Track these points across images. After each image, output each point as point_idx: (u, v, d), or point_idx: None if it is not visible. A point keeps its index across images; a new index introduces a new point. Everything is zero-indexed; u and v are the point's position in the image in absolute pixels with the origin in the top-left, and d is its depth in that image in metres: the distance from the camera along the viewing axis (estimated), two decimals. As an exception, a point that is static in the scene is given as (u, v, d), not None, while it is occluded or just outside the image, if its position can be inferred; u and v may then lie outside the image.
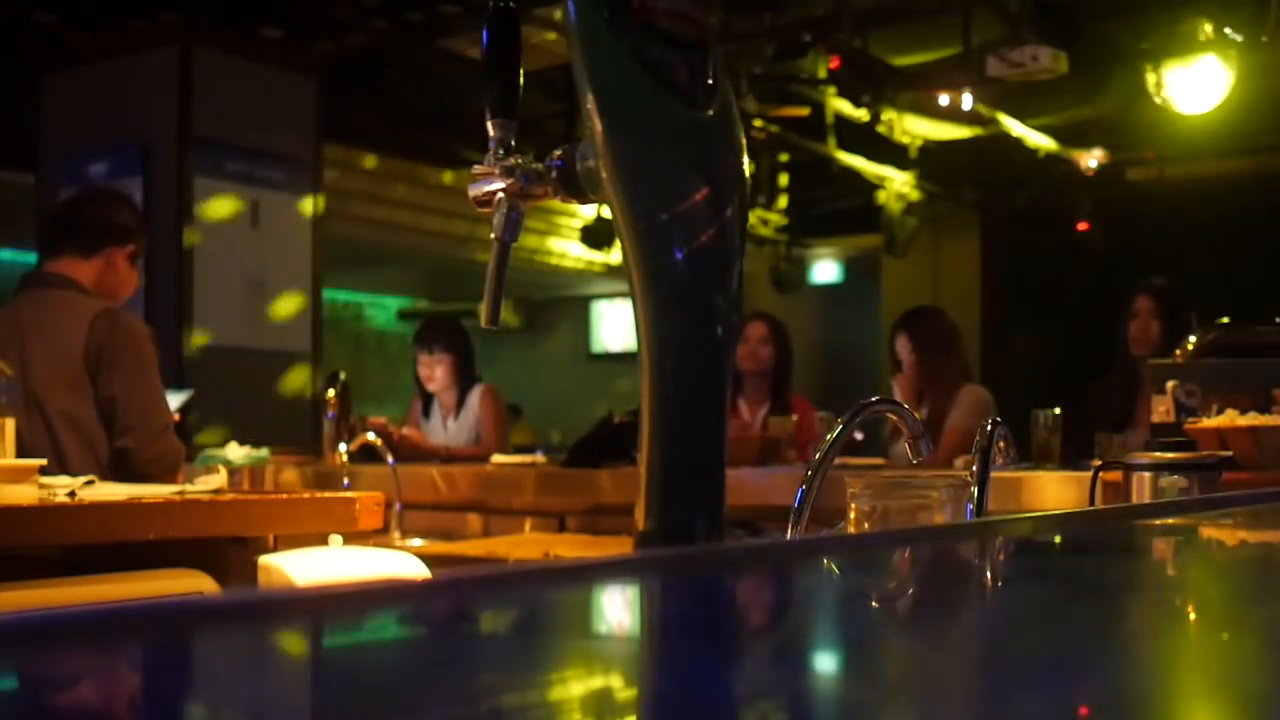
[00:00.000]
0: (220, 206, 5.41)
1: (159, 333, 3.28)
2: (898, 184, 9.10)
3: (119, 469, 2.97)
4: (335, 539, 2.12)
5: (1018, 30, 5.69)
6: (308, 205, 5.73)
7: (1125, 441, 3.82)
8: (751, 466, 3.83)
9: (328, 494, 2.57)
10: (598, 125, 1.12)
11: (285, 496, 2.64)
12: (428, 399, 5.15)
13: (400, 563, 2.11)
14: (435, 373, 5.00)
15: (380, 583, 0.88)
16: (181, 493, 2.38)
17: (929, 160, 8.59)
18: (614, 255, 8.43)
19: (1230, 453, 2.42)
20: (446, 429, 5.09)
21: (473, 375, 5.09)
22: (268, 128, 5.59)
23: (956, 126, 7.78)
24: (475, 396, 5.06)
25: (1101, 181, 8.60)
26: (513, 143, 1.28)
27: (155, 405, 3.06)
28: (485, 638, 0.65)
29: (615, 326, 11.99)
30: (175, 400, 2.48)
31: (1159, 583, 0.90)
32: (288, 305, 5.64)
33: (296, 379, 5.64)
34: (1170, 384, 2.89)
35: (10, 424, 2.40)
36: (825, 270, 11.60)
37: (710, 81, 1.17)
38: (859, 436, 4.13)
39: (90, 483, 2.39)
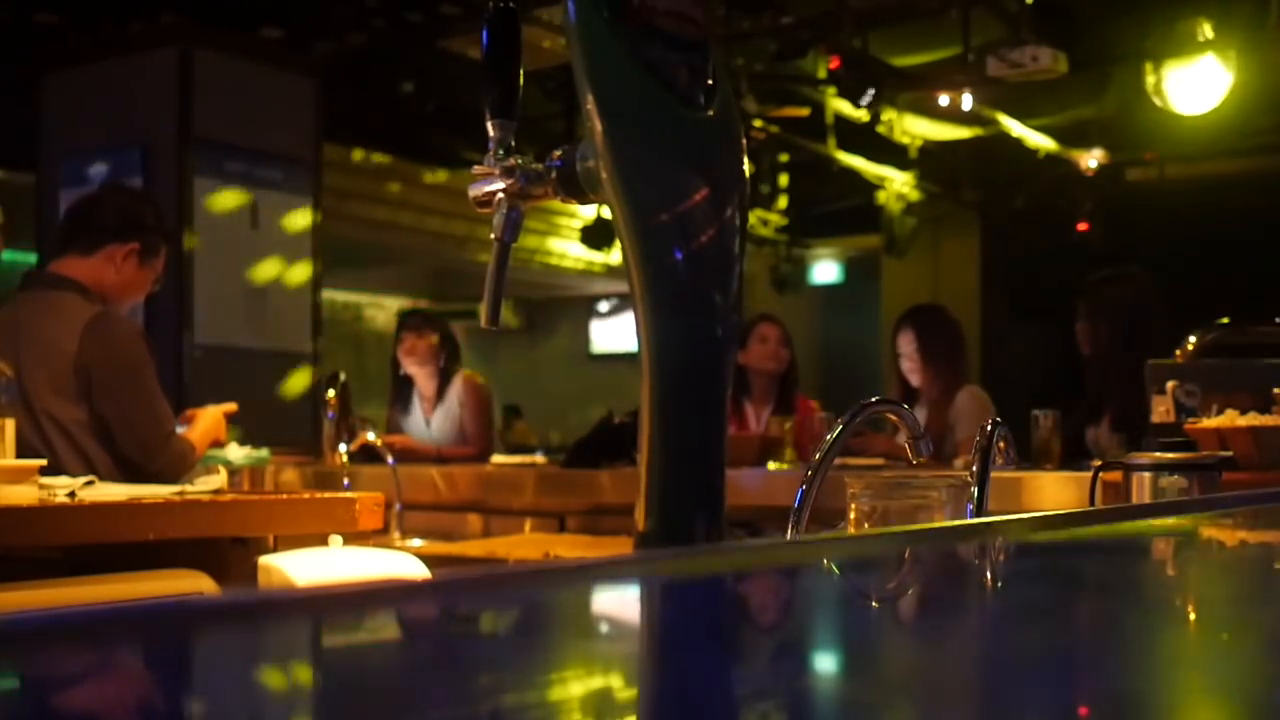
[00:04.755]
0: (220, 206, 5.41)
1: (157, 334, 3.24)
2: (898, 184, 9.11)
3: (130, 477, 2.92)
4: (335, 539, 2.12)
5: (1018, 30, 5.69)
6: (308, 205, 5.73)
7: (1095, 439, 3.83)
8: (751, 466, 3.83)
9: (328, 494, 2.57)
10: (598, 125, 1.12)
11: (285, 496, 2.65)
12: (406, 394, 5.09)
13: (400, 563, 2.11)
14: (417, 347, 4.96)
15: (380, 583, 0.88)
16: (181, 493, 2.38)
17: (929, 160, 8.60)
18: (614, 255, 8.43)
19: (1230, 453, 2.42)
20: (430, 424, 5.04)
21: (454, 368, 5.06)
22: (268, 128, 5.59)
23: (956, 126, 7.79)
24: (456, 386, 5.01)
25: (1101, 181, 8.60)
26: (513, 143, 1.28)
27: (152, 419, 2.98)
28: (485, 638, 0.65)
29: (615, 327, 12.00)
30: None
31: (1159, 583, 0.90)
32: (288, 305, 5.64)
33: (296, 379, 5.64)
34: (1170, 384, 2.89)
35: (10, 424, 2.40)
36: (825, 270, 11.60)
37: (710, 81, 1.17)
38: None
39: (90, 483, 2.39)
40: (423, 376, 5.03)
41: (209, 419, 3.22)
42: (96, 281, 3.03)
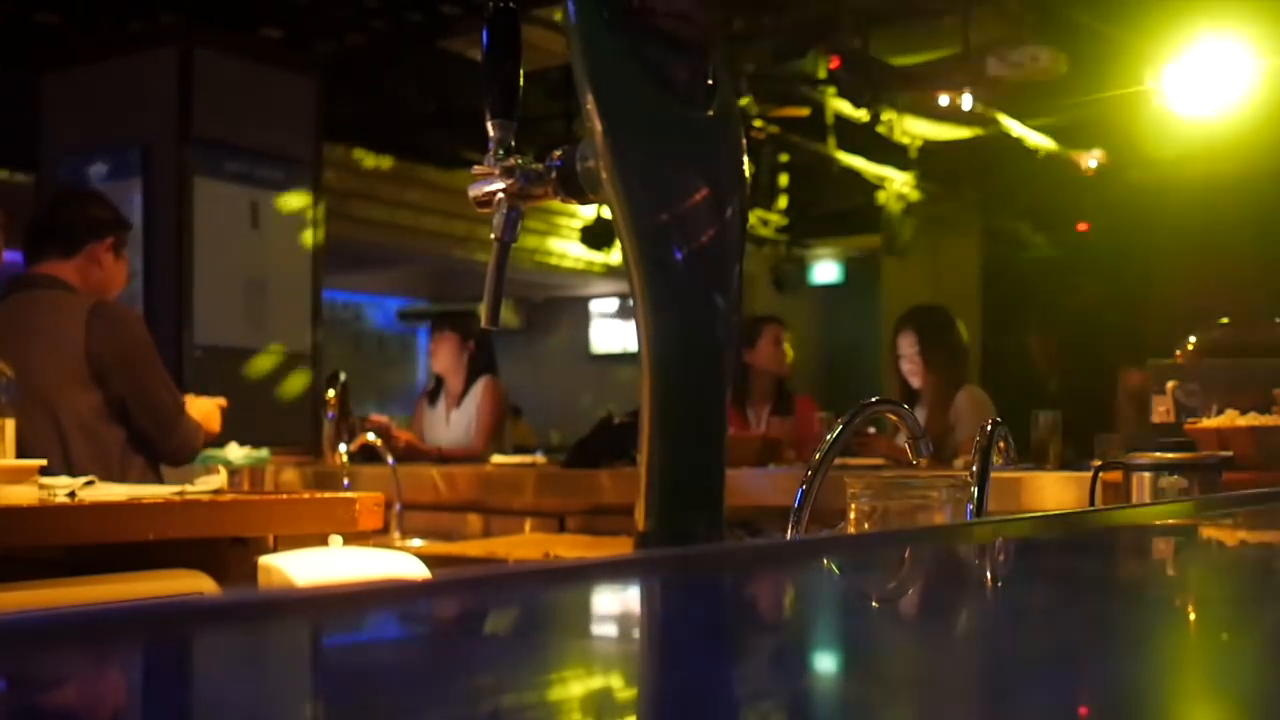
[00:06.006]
0: (220, 206, 5.41)
1: (157, 334, 3.30)
2: (898, 184, 9.10)
3: (146, 453, 3.09)
4: (335, 539, 2.12)
5: (1018, 30, 5.68)
6: (308, 205, 5.72)
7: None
8: (751, 466, 3.83)
9: (328, 494, 2.57)
10: (598, 125, 1.12)
11: (285, 496, 2.64)
12: (438, 390, 5.18)
13: (400, 563, 2.11)
14: (437, 349, 5.08)
15: (380, 583, 0.88)
16: (181, 493, 2.38)
17: (929, 160, 8.59)
18: (614, 255, 8.43)
19: (1230, 453, 2.42)
20: (449, 421, 5.10)
21: (482, 366, 5.09)
22: (268, 128, 5.59)
23: (956, 126, 7.78)
24: (477, 389, 5.06)
25: (1101, 181, 8.60)
26: (513, 143, 1.28)
27: (169, 393, 3.14)
28: (485, 638, 0.65)
29: (615, 327, 11.99)
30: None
31: (1159, 583, 0.90)
32: (288, 305, 5.63)
33: (296, 379, 5.64)
34: (1170, 384, 2.89)
35: (10, 424, 2.40)
36: (825, 270, 11.59)
37: (710, 81, 1.17)
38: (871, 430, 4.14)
39: (90, 483, 2.39)
40: (450, 376, 5.11)
41: (203, 405, 3.32)
42: (83, 280, 3.16)
